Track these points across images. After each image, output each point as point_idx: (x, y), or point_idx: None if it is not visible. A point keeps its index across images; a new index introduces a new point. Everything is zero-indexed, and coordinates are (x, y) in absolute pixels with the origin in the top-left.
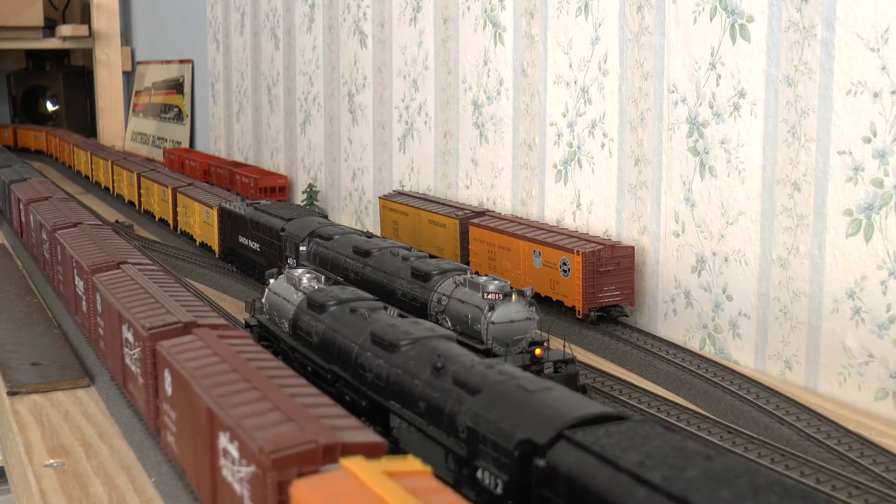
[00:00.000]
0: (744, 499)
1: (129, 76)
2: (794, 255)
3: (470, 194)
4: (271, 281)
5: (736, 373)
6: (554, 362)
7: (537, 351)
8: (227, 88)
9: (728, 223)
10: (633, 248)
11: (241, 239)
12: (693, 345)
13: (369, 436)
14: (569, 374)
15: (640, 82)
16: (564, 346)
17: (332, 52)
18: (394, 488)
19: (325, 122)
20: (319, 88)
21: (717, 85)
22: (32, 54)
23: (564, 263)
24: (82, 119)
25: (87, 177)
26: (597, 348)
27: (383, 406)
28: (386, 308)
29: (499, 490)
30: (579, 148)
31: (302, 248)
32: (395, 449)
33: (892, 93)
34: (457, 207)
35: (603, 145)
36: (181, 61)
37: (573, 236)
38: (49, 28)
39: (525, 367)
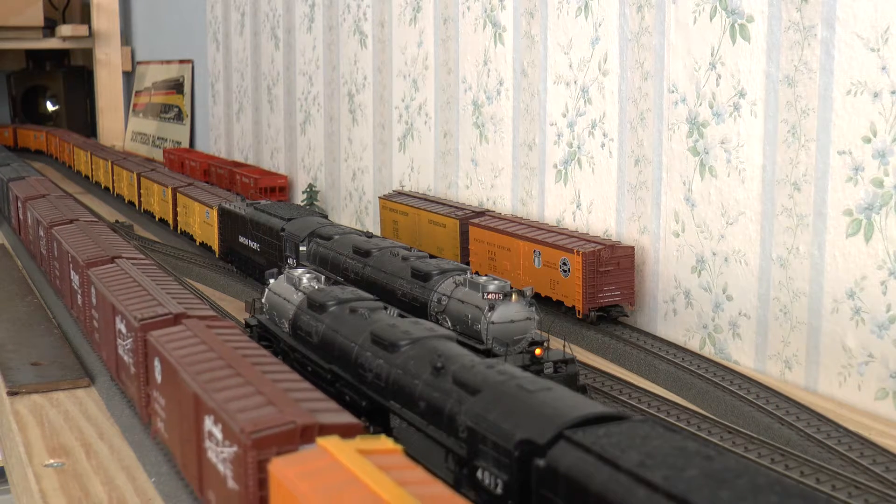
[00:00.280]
0: (744, 499)
1: (129, 76)
2: (794, 255)
3: (470, 194)
4: (271, 281)
5: (736, 373)
6: (554, 362)
7: (537, 351)
8: (227, 88)
9: (728, 223)
10: (633, 248)
11: (241, 239)
12: (693, 345)
13: (345, 417)
14: (569, 374)
15: (640, 82)
16: (564, 346)
17: (332, 52)
18: (365, 465)
19: (325, 122)
20: (319, 88)
21: (717, 85)
22: (32, 54)
23: (564, 263)
24: (82, 119)
25: (87, 177)
26: (597, 348)
27: (383, 406)
28: (386, 308)
29: (499, 490)
30: (579, 148)
31: (302, 248)
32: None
33: (892, 93)
34: (457, 207)
35: (603, 145)
36: (181, 61)
37: (573, 236)
38: (49, 28)
39: (525, 367)
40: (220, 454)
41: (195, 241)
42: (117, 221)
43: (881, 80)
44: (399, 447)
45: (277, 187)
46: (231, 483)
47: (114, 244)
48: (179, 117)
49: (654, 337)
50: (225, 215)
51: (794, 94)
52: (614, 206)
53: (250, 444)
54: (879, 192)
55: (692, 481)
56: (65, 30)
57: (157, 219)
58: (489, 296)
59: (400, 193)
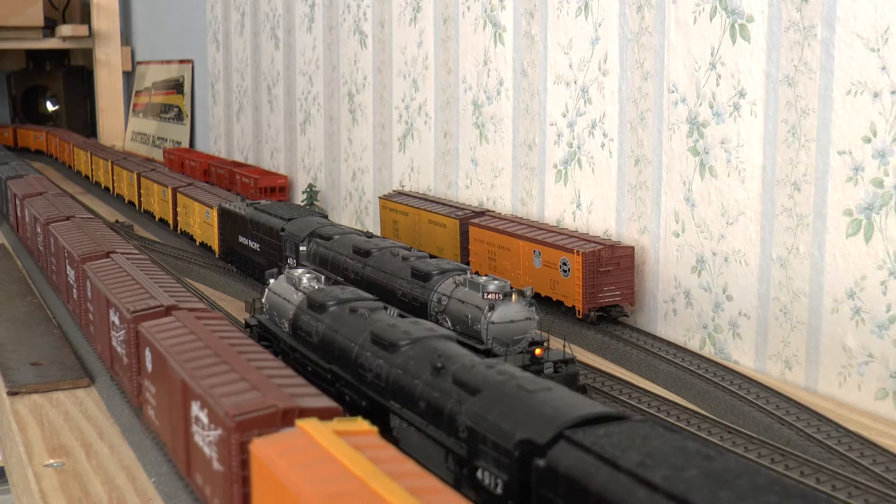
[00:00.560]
0: (744, 499)
1: (129, 76)
2: (794, 255)
3: (470, 194)
4: (271, 281)
5: (736, 373)
6: (554, 362)
7: (537, 351)
8: (227, 88)
9: (728, 223)
10: (633, 248)
11: (241, 239)
12: (693, 345)
13: (325, 401)
14: (569, 374)
15: (640, 82)
16: (564, 346)
17: (332, 52)
18: (340, 444)
19: (325, 122)
20: (319, 88)
21: (717, 85)
22: (32, 54)
23: (564, 263)
24: (82, 119)
25: (87, 177)
26: (597, 348)
27: (383, 406)
28: (386, 308)
29: (499, 490)
30: (579, 148)
31: (302, 248)
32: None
33: (892, 93)
34: (457, 207)
35: (603, 145)
36: (181, 61)
37: (573, 236)
38: (49, 28)
39: (525, 367)
40: (206, 438)
41: (195, 241)
42: (117, 221)
43: (881, 80)
44: (374, 428)
45: (277, 187)
46: (216, 465)
47: (109, 240)
48: (179, 117)
49: (654, 337)
50: (225, 215)
51: (794, 94)
52: (614, 206)
53: (234, 427)
54: (879, 192)
55: (692, 481)
56: (65, 30)
57: (157, 219)
58: (489, 296)
59: (400, 193)
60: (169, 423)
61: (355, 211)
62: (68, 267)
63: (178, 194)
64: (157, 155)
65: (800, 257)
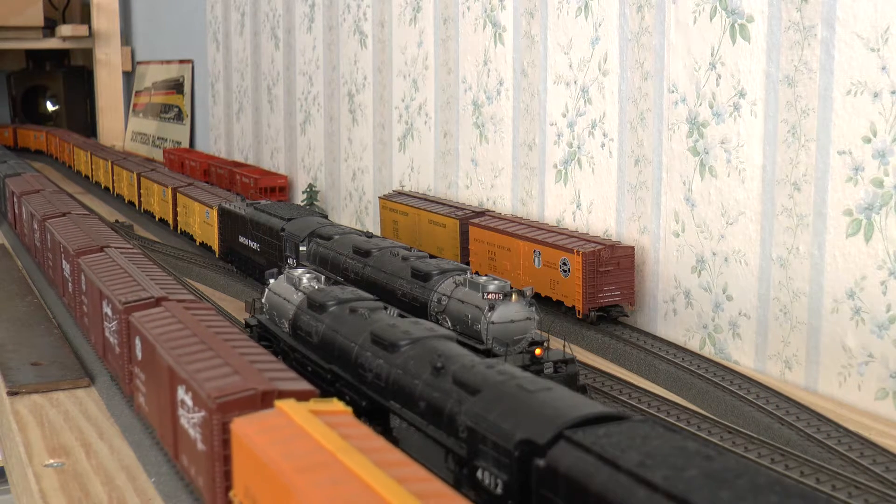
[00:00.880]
0: (744, 499)
1: (129, 76)
2: (794, 255)
3: (470, 194)
4: (271, 281)
5: (736, 373)
6: (554, 362)
7: (537, 351)
8: (227, 88)
9: (728, 223)
10: (633, 248)
11: (241, 239)
12: (693, 345)
13: (302, 384)
14: (569, 374)
15: (640, 82)
16: (564, 346)
17: (332, 52)
18: (315, 422)
19: (325, 122)
20: (319, 88)
21: (717, 85)
22: (32, 54)
23: (564, 263)
24: (82, 119)
25: (87, 177)
26: (597, 348)
27: (383, 406)
28: (386, 308)
29: (499, 490)
30: (579, 148)
31: (302, 248)
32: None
33: (892, 93)
34: (457, 207)
35: (603, 145)
36: (181, 61)
37: (573, 236)
38: (49, 28)
39: (525, 367)
40: (191, 420)
41: (195, 241)
42: (117, 221)
43: (881, 80)
44: (349, 409)
45: (277, 187)
46: (200, 445)
47: (103, 235)
48: (179, 117)
49: (654, 337)
50: (225, 215)
51: (794, 94)
52: (614, 206)
53: (216, 408)
54: (879, 192)
55: (692, 481)
56: (65, 30)
57: (157, 219)
58: (489, 296)
59: (400, 193)
60: (157, 408)
61: (355, 211)
62: (64, 261)
63: (178, 194)
64: (157, 155)
65: (800, 257)
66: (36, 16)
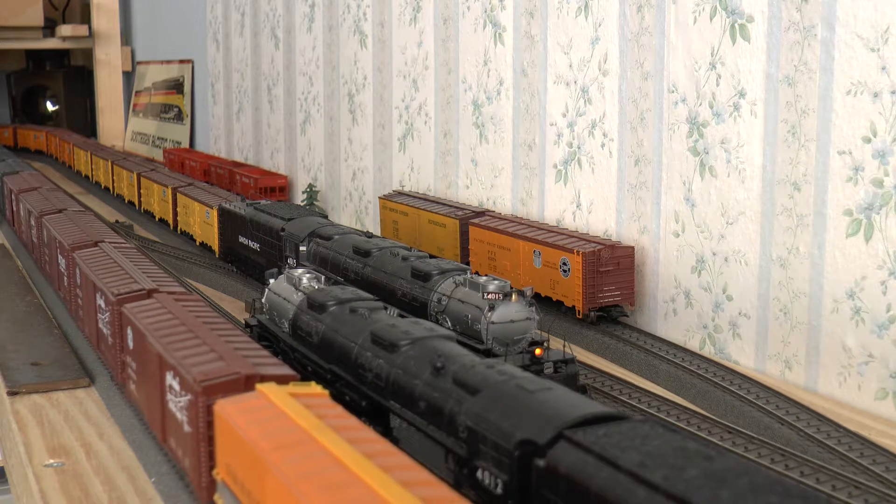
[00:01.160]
0: (744, 499)
1: (129, 76)
2: (794, 255)
3: (470, 194)
4: (271, 281)
5: (736, 373)
6: (554, 362)
7: (537, 351)
8: (227, 88)
9: (728, 223)
10: (633, 248)
11: (241, 239)
12: (693, 345)
13: (283, 369)
14: (569, 374)
15: (640, 82)
16: (564, 346)
17: (332, 52)
18: (294, 404)
19: (325, 122)
20: (319, 88)
21: (717, 85)
22: (32, 54)
23: (564, 263)
24: (82, 119)
25: (87, 177)
26: (597, 348)
27: (383, 406)
28: (386, 308)
29: (499, 490)
30: (579, 148)
31: (302, 248)
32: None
33: (892, 93)
34: (457, 207)
35: (603, 145)
36: (181, 61)
37: (573, 236)
38: (49, 28)
39: (525, 367)
40: (178, 404)
41: (195, 241)
42: (117, 221)
43: (881, 80)
44: (326, 391)
45: (277, 187)
46: (186, 427)
47: (98, 230)
48: (179, 117)
49: (654, 337)
50: (225, 215)
51: (794, 94)
52: (614, 206)
53: (200, 391)
54: (879, 192)
55: (692, 481)
56: (65, 30)
57: (157, 219)
58: (489, 296)
59: (400, 193)
60: (147, 395)
61: (355, 211)
62: (59, 256)
63: (178, 194)
64: (157, 155)
65: (800, 257)
66: (36, 16)
